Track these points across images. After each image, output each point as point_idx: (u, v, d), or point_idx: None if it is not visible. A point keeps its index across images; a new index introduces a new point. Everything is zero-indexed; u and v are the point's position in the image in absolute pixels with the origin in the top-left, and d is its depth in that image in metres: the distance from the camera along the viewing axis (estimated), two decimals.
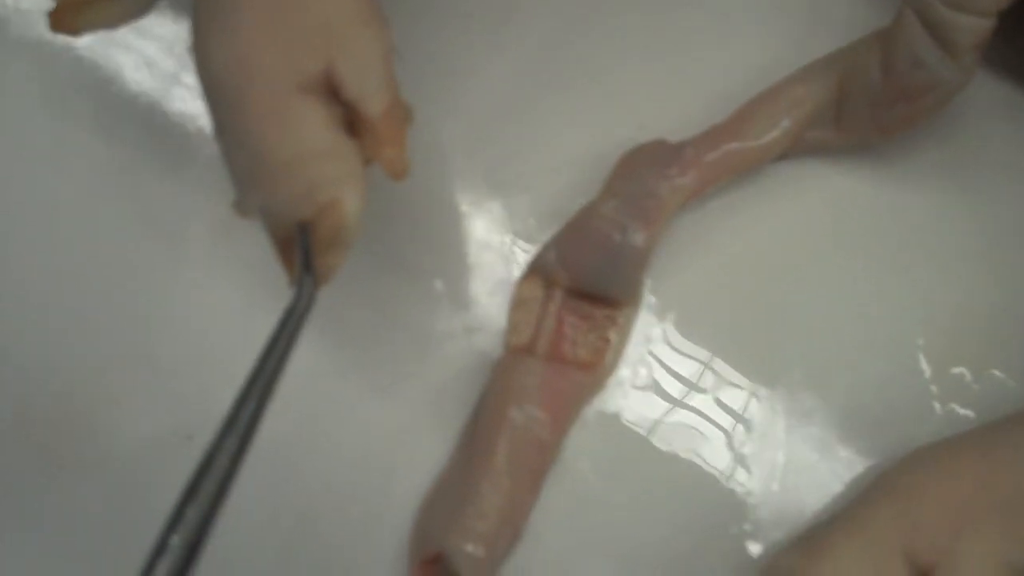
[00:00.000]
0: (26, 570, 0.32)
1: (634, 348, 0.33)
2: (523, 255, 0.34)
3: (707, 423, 0.33)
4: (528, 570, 0.31)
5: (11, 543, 0.32)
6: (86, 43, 0.37)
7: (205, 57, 0.26)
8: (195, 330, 0.34)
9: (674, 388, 0.33)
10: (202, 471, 0.20)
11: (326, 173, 0.25)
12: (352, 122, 0.26)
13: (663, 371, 0.33)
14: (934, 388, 0.33)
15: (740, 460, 0.32)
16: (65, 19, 0.30)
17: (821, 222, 0.34)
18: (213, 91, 0.26)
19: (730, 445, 0.32)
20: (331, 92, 0.26)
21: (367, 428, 0.32)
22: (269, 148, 0.25)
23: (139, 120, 0.37)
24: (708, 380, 0.33)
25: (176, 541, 0.19)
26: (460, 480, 0.30)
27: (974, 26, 0.30)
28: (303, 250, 0.25)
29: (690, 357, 0.33)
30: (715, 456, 0.32)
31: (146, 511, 0.32)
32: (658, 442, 0.32)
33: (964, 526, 0.28)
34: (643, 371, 0.33)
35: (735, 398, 0.33)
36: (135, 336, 0.34)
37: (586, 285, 0.32)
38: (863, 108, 0.33)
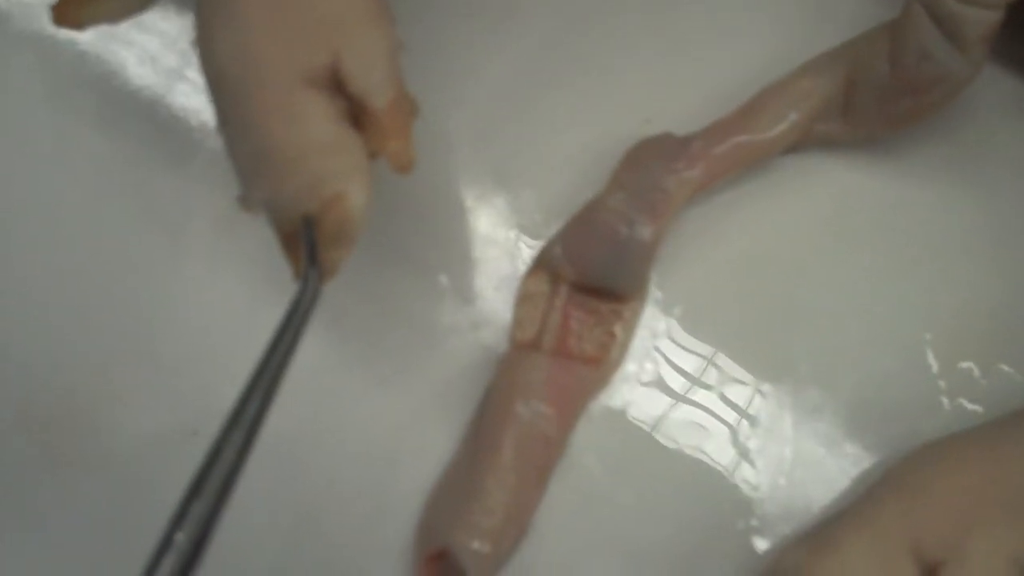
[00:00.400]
0: (28, 568, 0.32)
1: (640, 343, 0.33)
2: (528, 250, 0.34)
3: (713, 418, 0.32)
4: (534, 566, 0.31)
5: (14, 541, 0.32)
6: (89, 38, 0.37)
7: (209, 50, 0.26)
8: (198, 326, 0.34)
9: (680, 383, 0.33)
10: (208, 467, 0.20)
11: (331, 167, 0.25)
12: (357, 116, 0.26)
13: (669, 366, 0.33)
14: (942, 383, 0.32)
15: (746, 455, 0.32)
16: (68, 13, 0.30)
17: (828, 216, 0.34)
18: (217, 84, 0.26)
19: (736, 440, 0.32)
20: (336, 86, 0.26)
21: (371, 423, 0.32)
22: (274, 141, 0.25)
23: (142, 115, 0.36)
24: (714, 375, 0.33)
25: (182, 537, 0.19)
26: (465, 476, 0.30)
27: (982, 19, 0.29)
28: (308, 244, 0.25)
29: (696, 352, 0.33)
30: (721, 451, 0.32)
31: (150, 508, 0.32)
32: (664, 437, 0.32)
33: (972, 522, 0.28)
34: (649, 366, 0.33)
35: (741, 393, 0.33)
36: (138, 332, 0.34)
37: (592, 279, 0.32)
38: (870, 101, 0.33)
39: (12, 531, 0.32)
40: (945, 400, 0.32)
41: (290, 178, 0.25)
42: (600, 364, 0.32)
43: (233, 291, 0.34)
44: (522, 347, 0.32)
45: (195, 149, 0.36)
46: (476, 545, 0.29)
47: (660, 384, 0.33)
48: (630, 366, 0.33)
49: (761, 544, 0.31)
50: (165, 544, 0.19)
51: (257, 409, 0.21)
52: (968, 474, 0.29)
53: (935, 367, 0.33)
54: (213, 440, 0.21)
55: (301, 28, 0.25)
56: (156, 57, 0.37)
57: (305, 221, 0.25)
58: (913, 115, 0.33)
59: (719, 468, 0.32)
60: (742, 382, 0.33)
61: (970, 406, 0.32)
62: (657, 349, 0.33)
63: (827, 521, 0.30)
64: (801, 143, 0.34)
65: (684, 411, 0.33)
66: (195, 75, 0.37)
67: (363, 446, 0.32)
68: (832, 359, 0.33)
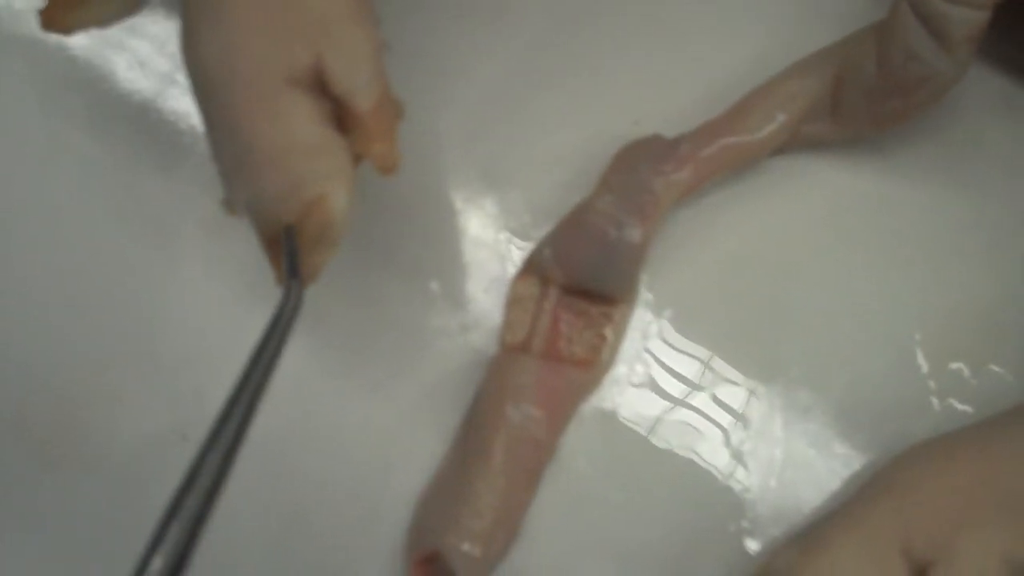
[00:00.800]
0: (26, 569, 0.32)
1: (630, 345, 0.33)
2: (518, 252, 0.34)
3: (704, 420, 0.32)
4: (525, 569, 0.31)
5: (11, 541, 0.32)
6: (79, 42, 0.37)
7: (194, 51, 0.26)
8: (191, 328, 0.34)
9: (671, 385, 0.33)
10: (194, 472, 0.20)
11: (314, 168, 0.25)
12: (342, 118, 0.26)
13: (660, 368, 0.33)
14: (932, 383, 0.33)
15: (738, 457, 0.32)
16: (56, 17, 0.30)
17: (818, 217, 0.34)
18: (201, 85, 0.26)
19: (727, 442, 0.32)
20: (320, 87, 0.25)
21: (362, 427, 0.32)
22: (257, 142, 0.25)
23: (132, 119, 0.36)
24: (705, 377, 0.33)
25: (171, 537, 0.19)
26: (456, 479, 0.30)
27: (969, 19, 0.29)
28: (289, 253, 0.25)
29: (687, 354, 0.33)
30: (712, 453, 0.32)
31: (146, 509, 0.32)
32: (655, 439, 0.32)
33: (962, 522, 0.28)
34: (640, 368, 0.33)
35: (732, 395, 0.33)
36: (132, 334, 0.34)
37: (582, 282, 0.32)
38: (859, 101, 0.33)
39: (9, 531, 0.32)
40: (935, 400, 0.32)
41: (272, 179, 0.25)
42: (590, 367, 0.32)
43: (225, 294, 0.34)
44: (512, 350, 0.32)
45: (186, 153, 0.36)
46: (466, 547, 0.29)
47: (651, 386, 0.33)
48: (620, 368, 0.33)
49: (752, 545, 0.31)
50: (155, 542, 0.19)
51: (242, 418, 0.21)
52: (958, 474, 0.29)
53: (925, 367, 0.33)
54: (197, 450, 0.21)
55: (285, 29, 0.25)
56: (146, 61, 0.37)
57: (286, 230, 0.25)
58: (901, 115, 0.33)
59: (710, 470, 0.32)
60: (733, 383, 0.33)
61: (960, 406, 0.32)
62: (647, 351, 0.33)
63: (818, 522, 0.30)
64: (789, 144, 0.34)
65: (674, 413, 0.33)
66: (185, 79, 0.37)
67: (354, 450, 0.32)
68: (822, 360, 0.33)
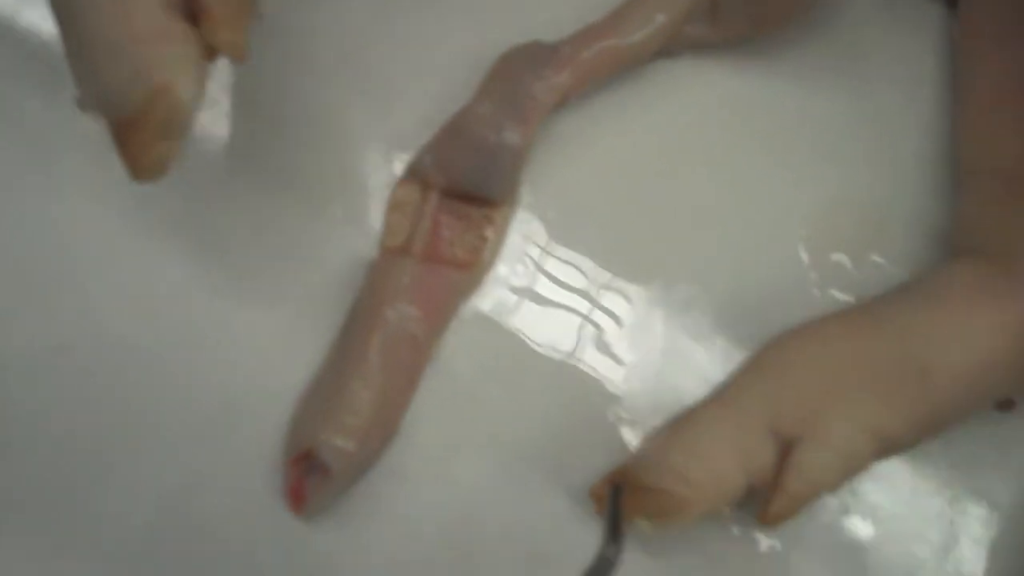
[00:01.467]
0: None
1: (512, 247, 0.33)
2: (401, 163, 0.34)
3: (583, 319, 0.32)
4: (402, 466, 0.31)
5: None
6: None
7: None
8: (73, 252, 0.33)
9: (551, 286, 0.33)
10: None
11: (159, 56, 0.25)
12: (193, 11, 0.26)
13: (541, 269, 0.33)
14: (813, 275, 0.33)
15: (617, 352, 0.32)
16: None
17: (701, 118, 0.34)
18: None
19: (607, 338, 0.32)
20: None
21: (244, 335, 0.32)
22: (100, 31, 0.25)
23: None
24: (586, 276, 0.33)
25: None
26: (333, 379, 0.30)
27: None
28: (611, 515, 0.26)
29: (568, 254, 0.33)
30: (592, 350, 0.32)
31: (20, 426, 0.31)
32: (535, 339, 0.32)
33: (829, 398, 0.28)
34: (521, 269, 0.33)
35: (612, 292, 0.33)
36: (9, 251, 0.33)
37: (462, 186, 0.32)
38: (737, 3, 0.33)
39: None
40: (816, 291, 0.33)
41: (117, 68, 0.25)
42: (471, 267, 0.32)
43: (104, 215, 0.33)
44: (391, 253, 0.32)
45: (68, 75, 0.35)
46: (340, 442, 0.29)
47: (532, 286, 0.33)
48: (502, 269, 0.33)
49: (631, 436, 0.31)
50: None
51: None
52: (828, 356, 0.29)
53: (807, 259, 0.33)
54: None
55: None
56: None
57: (614, 489, 0.27)
58: (780, 17, 0.33)
59: (589, 366, 0.32)
60: (613, 281, 0.33)
61: (841, 295, 0.33)
62: (529, 253, 0.33)
63: (692, 407, 0.30)
64: (672, 47, 0.34)
65: (554, 313, 0.33)
66: None
67: (236, 357, 0.31)
68: (704, 257, 0.33)
